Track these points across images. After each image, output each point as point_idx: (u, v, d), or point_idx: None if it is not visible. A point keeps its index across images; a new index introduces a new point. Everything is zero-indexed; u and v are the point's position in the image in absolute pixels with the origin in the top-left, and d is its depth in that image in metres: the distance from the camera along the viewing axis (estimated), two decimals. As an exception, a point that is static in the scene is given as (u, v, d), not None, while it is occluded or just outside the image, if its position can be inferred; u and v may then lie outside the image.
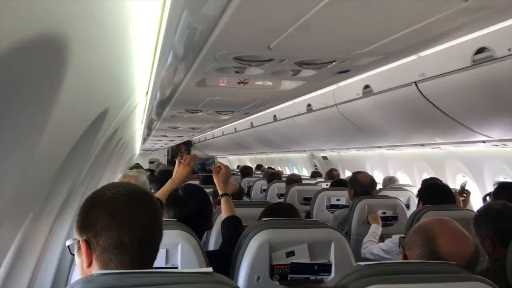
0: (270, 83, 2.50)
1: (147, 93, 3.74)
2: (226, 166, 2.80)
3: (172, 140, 10.87)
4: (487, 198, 3.48)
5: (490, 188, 4.08)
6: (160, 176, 4.50)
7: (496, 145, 4.31)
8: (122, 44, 1.74)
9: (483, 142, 4.22)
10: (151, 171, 6.53)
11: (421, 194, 3.55)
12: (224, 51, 1.70)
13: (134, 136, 8.87)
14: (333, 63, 1.90)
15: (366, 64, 2.02)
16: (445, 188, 3.53)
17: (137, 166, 7.42)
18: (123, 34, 1.64)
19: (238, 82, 2.43)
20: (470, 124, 3.80)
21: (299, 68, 1.97)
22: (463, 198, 3.80)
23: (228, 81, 2.42)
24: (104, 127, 2.44)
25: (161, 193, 2.56)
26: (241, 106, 3.68)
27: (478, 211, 2.74)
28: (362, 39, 1.54)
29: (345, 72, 2.17)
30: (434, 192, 3.44)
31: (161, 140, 10.78)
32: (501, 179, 4.63)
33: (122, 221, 1.19)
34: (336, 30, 1.39)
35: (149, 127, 6.74)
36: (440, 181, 4.02)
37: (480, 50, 2.93)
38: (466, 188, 3.81)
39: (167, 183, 2.66)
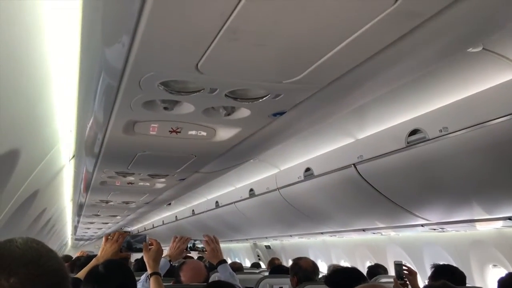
0: (204, 134, 2.39)
1: (73, 156, 3.54)
2: (157, 243, 2.63)
3: (105, 223, 10.14)
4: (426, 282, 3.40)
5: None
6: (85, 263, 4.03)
7: (434, 229, 4.38)
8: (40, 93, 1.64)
9: (422, 225, 4.28)
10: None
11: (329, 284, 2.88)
12: (149, 73, 1.58)
13: (64, 218, 8.29)
14: (267, 97, 1.82)
15: (302, 103, 1.96)
16: (354, 271, 3.02)
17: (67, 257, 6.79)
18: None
19: (170, 131, 2.32)
20: (408, 206, 3.87)
21: (232, 103, 1.88)
22: (402, 282, 3.54)
23: (159, 128, 2.30)
24: (17, 176, 2.21)
25: (82, 273, 2.32)
26: (175, 166, 3.44)
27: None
28: (293, 60, 1.49)
29: (281, 114, 2.08)
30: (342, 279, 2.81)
31: (93, 223, 10.05)
32: (441, 264, 4.65)
33: None
34: (264, 41, 1.33)
35: (80, 204, 6.33)
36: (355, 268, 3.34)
37: (414, 132, 3.06)
38: (406, 267, 3.58)
39: (91, 262, 2.46)
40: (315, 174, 4.29)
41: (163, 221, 11.62)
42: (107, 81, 1.70)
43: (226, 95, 1.80)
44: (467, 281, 3.41)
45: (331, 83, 1.75)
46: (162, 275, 2.90)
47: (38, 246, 0.99)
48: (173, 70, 1.56)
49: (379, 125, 3.38)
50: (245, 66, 1.52)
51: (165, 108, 1.94)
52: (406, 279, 3.47)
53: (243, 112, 2.08)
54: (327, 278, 3.07)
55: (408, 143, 3.11)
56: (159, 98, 1.87)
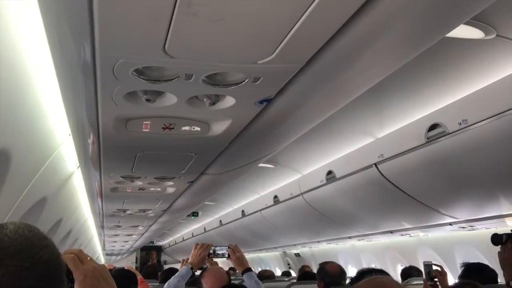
0: (198, 129, 2.37)
1: (78, 166, 3.59)
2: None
3: (129, 235, 10.02)
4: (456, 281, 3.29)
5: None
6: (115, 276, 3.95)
7: (464, 227, 4.26)
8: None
9: (450, 224, 4.17)
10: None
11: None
12: (120, 60, 1.54)
13: (88, 231, 8.25)
14: (246, 81, 1.75)
15: (287, 89, 1.88)
16: (379, 272, 3.12)
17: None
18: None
19: (163, 128, 2.32)
20: (433, 204, 3.78)
21: (213, 90, 1.83)
22: (432, 283, 3.43)
23: (152, 125, 2.29)
24: (13, 180, 2.21)
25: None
26: (178, 166, 3.39)
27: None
28: (259, 36, 1.40)
29: (268, 101, 2.02)
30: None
31: (117, 235, 9.95)
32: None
33: None
34: (222, 16, 1.27)
35: (99, 214, 6.37)
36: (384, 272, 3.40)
37: (433, 127, 3.00)
38: (436, 268, 3.46)
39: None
40: (337, 177, 4.25)
41: (192, 233, 11.69)
42: (84, 75, 1.71)
43: (204, 81, 1.76)
44: (500, 280, 3.29)
45: (310, 63, 1.68)
46: (184, 283, 2.93)
47: (31, 233, 0.88)
48: (142, 54, 1.53)
49: (398, 123, 3.34)
50: (212, 45, 1.48)
51: (148, 100, 1.92)
52: (436, 280, 3.37)
53: (229, 101, 2.04)
54: (353, 280, 3.04)
55: (428, 138, 3.05)
56: (138, 89, 1.86)
